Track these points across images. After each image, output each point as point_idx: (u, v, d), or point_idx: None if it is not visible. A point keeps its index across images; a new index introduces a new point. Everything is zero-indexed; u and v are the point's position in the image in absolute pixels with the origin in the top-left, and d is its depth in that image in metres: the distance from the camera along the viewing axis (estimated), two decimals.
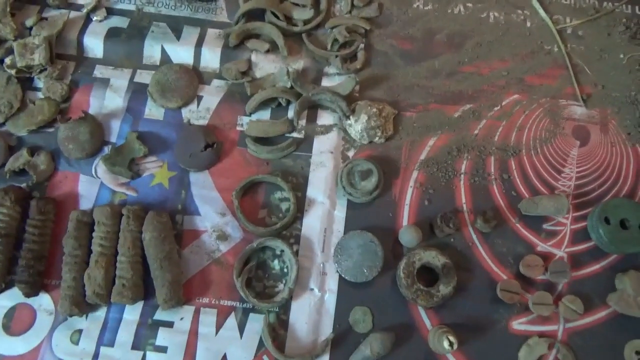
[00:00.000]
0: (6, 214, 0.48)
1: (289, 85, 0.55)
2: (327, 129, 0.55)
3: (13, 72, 0.53)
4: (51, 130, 0.53)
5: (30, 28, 0.56)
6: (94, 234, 0.48)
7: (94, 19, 0.57)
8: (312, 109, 0.56)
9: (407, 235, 0.50)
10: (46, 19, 0.57)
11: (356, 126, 0.54)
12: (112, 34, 0.57)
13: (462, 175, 0.54)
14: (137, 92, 0.55)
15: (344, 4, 0.60)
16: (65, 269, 0.47)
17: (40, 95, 0.54)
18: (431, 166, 0.54)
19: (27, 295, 0.47)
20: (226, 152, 0.54)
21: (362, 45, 0.58)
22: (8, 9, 0.55)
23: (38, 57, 0.53)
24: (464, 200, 0.53)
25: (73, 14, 0.58)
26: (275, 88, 0.55)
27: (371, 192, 0.51)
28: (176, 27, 0.58)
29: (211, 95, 0.56)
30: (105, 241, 0.48)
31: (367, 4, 0.60)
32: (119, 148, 0.52)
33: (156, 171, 0.53)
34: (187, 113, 0.55)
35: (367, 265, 0.49)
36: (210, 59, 0.57)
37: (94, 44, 0.57)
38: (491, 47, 0.60)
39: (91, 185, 0.52)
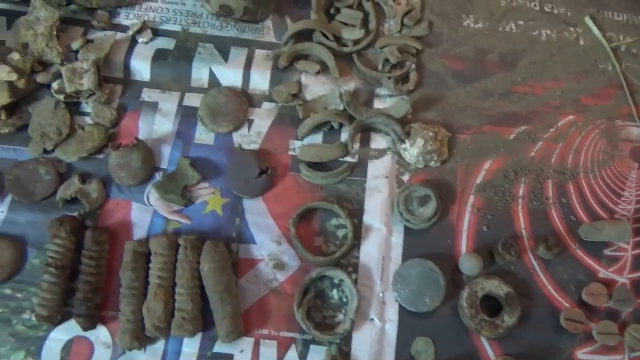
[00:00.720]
0: (62, 245, 0.47)
1: (341, 108, 0.54)
2: (381, 153, 0.54)
3: (62, 97, 0.52)
4: (101, 156, 0.52)
5: (77, 51, 0.55)
6: (151, 265, 0.48)
7: (139, 41, 0.57)
8: (365, 132, 0.55)
9: (469, 264, 0.49)
10: (92, 41, 0.56)
11: (412, 150, 0.53)
12: (159, 57, 0.56)
13: (520, 200, 0.53)
14: (187, 117, 0.54)
15: (394, 23, 0.59)
16: (124, 302, 0.46)
17: (88, 120, 0.53)
18: (488, 190, 0.53)
19: (86, 329, 0.46)
20: (279, 177, 0.53)
21: (413, 66, 0.57)
22: (55, 33, 0.54)
23: (87, 82, 0.52)
24: (523, 226, 0.52)
25: (119, 35, 0.57)
26: (329, 111, 0.54)
27: (430, 219, 0.51)
28: (223, 48, 0.57)
29: (262, 119, 0.55)
30: (163, 272, 0.47)
31: (417, 22, 0.59)
32: (172, 175, 0.51)
33: (209, 198, 0.52)
34: (238, 138, 0.54)
35: (428, 294, 0.49)
36: (260, 81, 0.56)
37: (141, 67, 0.56)
38: (545, 66, 0.59)
39: (144, 213, 0.51)
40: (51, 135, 0.51)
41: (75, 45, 0.55)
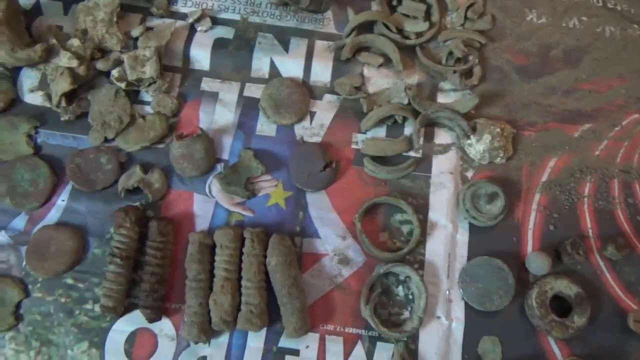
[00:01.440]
0: (126, 235, 0.46)
1: (405, 102, 0.53)
2: (445, 148, 0.53)
3: (122, 85, 0.51)
4: (161, 146, 0.52)
5: (136, 39, 0.54)
6: (216, 258, 0.47)
7: (198, 29, 0.56)
8: (429, 126, 0.54)
9: (537, 262, 0.48)
10: (152, 29, 0.55)
11: (477, 146, 0.52)
12: (218, 45, 0.55)
13: (586, 199, 0.52)
14: (248, 107, 0.53)
15: (456, 15, 0.58)
16: (191, 294, 0.46)
17: (148, 109, 0.53)
18: (553, 189, 0.53)
19: (151, 320, 0.45)
20: (342, 171, 0.52)
21: (477, 60, 0.55)
22: (115, 19, 0.53)
23: (149, 70, 0.51)
24: (589, 225, 0.52)
25: (177, 23, 0.56)
26: (394, 105, 0.53)
27: (497, 217, 0.50)
28: (283, 38, 0.56)
29: (324, 111, 0.54)
30: (229, 265, 0.46)
31: (480, 16, 0.58)
32: (234, 166, 0.51)
33: (272, 191, 0.51)
34: (300, 130, 0.53)
35: (496, 293, 0.48)
36: (321, 72, 0.55)
37: (201, 56, 0.55)
38: (608, 63, 0.58)
39: (206, 205, 0.50)
40: (112, 123, 0.51)
41: (135, 33, 0.54)
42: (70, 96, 0.51)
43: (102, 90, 0.52)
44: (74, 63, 0.50)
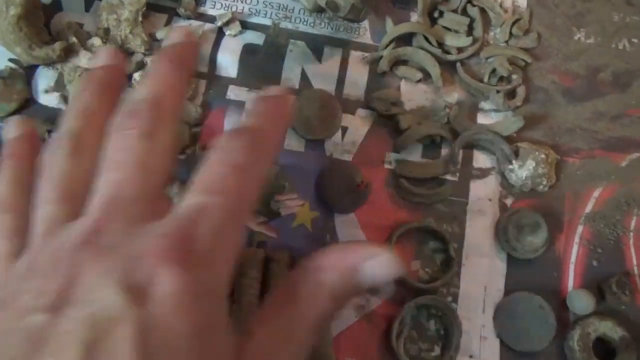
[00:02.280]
0: None
1: (444, 121, 0.50)
2: (484, 173, 0.50)
3: None
4: (182, 157, 0.48)
5: (161, 40, 0.51)
6: (238, 282, 0.43)
7: (227, 34, 0.52)
8: (467, 148, 0.50)
9: (581, 301, 0.45)
10: None
11: (520, 172, 0.48)
12: (247, 52, 0.52)
13: (632, 233, 0.49)
14: None
15: (500, 31, 0.54)
16: None
17: None
18: (598, 221, 0.49)
19: None
20: (374, 192, 0.49)
21: (520, 80, 0.52)
22: (140, 19, 0.49)
23: None
24: (634, 262, 0.48)
25: (205, 26, 0.52)
26: (432, 124, 0.49)
27: (538, 249, 0.46)
28: (315, 46, 0.53)
29: (357, 127, 0.50)
30: (251, 289, 0.43)
31: (525, 33, 0.54)
32: None
33: (298, 210, 0.48)
34: (330, 146, 0.50)
35: (535, 332, 0.45)
36: (355, 85, 0.52)
37: (228, 62, 0.51)
38: None
39: None
40: None
41: (161, 34, 0.50)
42: None
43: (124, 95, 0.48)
44: None
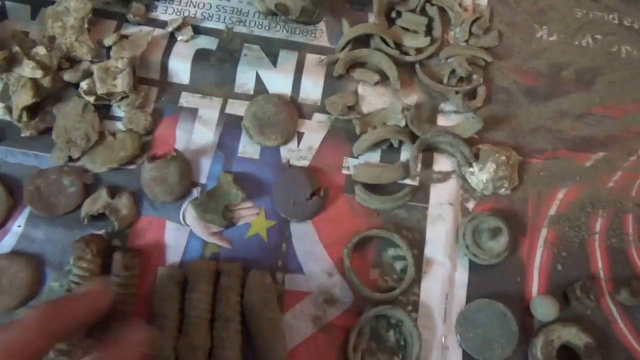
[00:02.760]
0: (87, 268, 0.41)
1: (402, 124, 0.48)
2: (444, 176, 0.48)
3: (91, 99, 0.46)
4: (132, 167, 0.47)
5: (109, 48, 0.49)
6: (187, 296, 0.42)
7: (179, 39, 0.51)
8: (427, 152, 0.49)
9: (544, 308, 0.44)
10: (127, 37, 0.50)
11: (480, 175, 0.47)
12: (199, 57, 0.50)
13: (597, 236, 0.48)
14: (230, 126, 0.48)
15: (460, 30, 0.53)
16: (158, 336, 0.40)
17: (119, 125, 0.48)
18: (562, 223, 0.48)
19: None
20: (331, 199, 0.47)
21: (481, 80, 0.51)
22: (86, 26, 0.48)
23: (121, 84, 0.46)
24: (600, 266, 0.47)
25: (156, 32, 0.51)
26: (390, 128, 0.48)
27: (500, 254, 0.45)
28: (271, 50, 0.51)
29: (313, 132, 0.49)
30: (202, 304, 0.41)
31: (486, 31, 0.53)
32: (212, 192, 0.46)
33: (252, 220, 0.46)
34: (286, 152, 0.48)
35: (498, 341, 0.43)
36: (311, 89, 0.50)
37: (180, 68, 0.50)
38: (624, 86, 0.53)
39: (180, 234, 0.45)
40: (78, 141, 0.46)
41: (109, 41, 0.49)
42: (33, 110, 0.46)
43: (68, 104, 0.47)
44: (39, 74, 0.45)
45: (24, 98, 0.45)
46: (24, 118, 0.45)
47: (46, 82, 0.46)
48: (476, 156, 0.47)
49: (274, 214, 0.46)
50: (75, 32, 0.47)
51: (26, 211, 0.44)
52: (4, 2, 0.50)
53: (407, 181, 0.48)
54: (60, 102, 0.47)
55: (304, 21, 0.47)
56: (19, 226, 0.44)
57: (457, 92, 0.49)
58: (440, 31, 0.52)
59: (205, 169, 0.47)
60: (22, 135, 0.46)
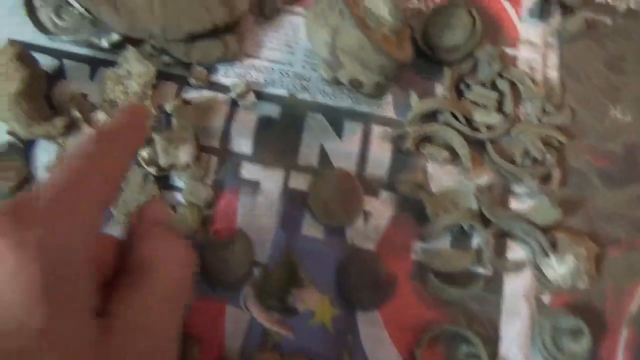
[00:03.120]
0: None
1: (474, 207, 0.46)
2: (518, 266, 0.46)
3: (153, 170, 0.44)
4: (190, 242, 0.44)
5: (170, 114, 0.47)
6: None
7: (241, 105, 0.49)
8: (499, 237, 0.46)
9: None
10: (189, 102, 0.48)
11: (559, 268, 0.44)
12: (262, 125, 0.48)
13: None
14: (293, 202, 0.46)
15: (532, 107, 0.50)
16: None
17: (179, 197, 0.45)
18: None
19: None
20: (399, 286, 0.44)
21: (555, 161, 0.48)
22: (150, 92, 0.46)
23: (184, 155, 0.44)
24: None
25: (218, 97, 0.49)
26: (463, 213, 0.45)
27: (581, 358, 0.42)
28: (335, 120, 0.49)
29: (380, 212, 0.46)
30: None
31: (558, 108, 0.51)
32: (274, 274, 0.43)
33: (316, 307, 0.43)
34: (352, 232, 0.46)
35: None
36: (378, 164, 0.48)
37: (242, 137, 0.48)
38: None
39: (239, 319, 0.42)
40: None
41: (170, 107, 0.47)
42: None
43: (129, 175, 0.44)
44: None
45: None
46: None
47: None
48: (553, 245, 0.45)
49: (339, 300, 0.43)
50: (138, 99, 0.45)
51: None
52: (61, 60, 0.49)
53: (480, 269, 0.45)
54: None
55: (373, 94, 0.45)
56: None
57: (531, 175, 0.47)
58: (512, 107, 0.50)
59: (267, 248, 0.45)
60: None
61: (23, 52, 0.43)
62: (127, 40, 0.47)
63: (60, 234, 0.23)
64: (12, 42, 0.44)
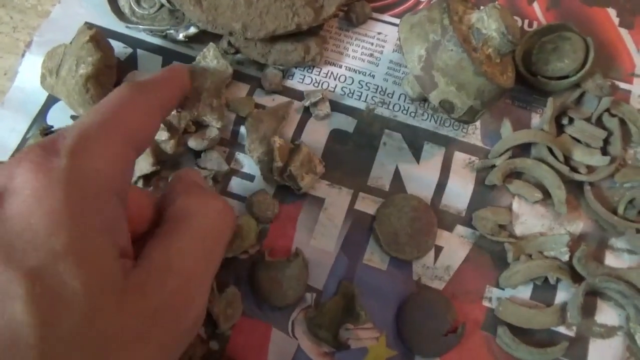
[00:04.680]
0: None
1: (565, 259, 0.41)
2: (608, 332, 0.40)
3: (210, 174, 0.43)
4: (244, 257, 0.42)
5: (243, 119, 0.45)
6: None
7: (314, 114, 0.46)
8: (589, 295, 0.41)
9: None
10: (263, 107, 0.46)
11: None
12: (334, 138, 0.46)
13: None
14: (358, 226, 0.43)
15: None
16: None
17: (235, 204, 0.43)
18: None
19: None
20: (466, 334, 0.40)
21: None
22: (224, 91, 0.44)
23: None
24: None
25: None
26: (549, 262, 0.41)
27: None
28: (414, 141, 0.46)
29: (453, 249, 0.43)
30: None
31: None
32: (329, 304, 0.40)
33: (371, 344, 0.40)
34: (419, 268, 0.42)
35: None
36: (457, 196, 0.44)
37: (312, 147, 0.45)
38: None
39: (286, 346, 0.40)
40: None
41: (244, 112, 0.45)
42: (148, 176, 0.43)
43: None
44: (164, 135, 0.42)
45: (142, 166, 0.41)
46: (140, 185, 0.42)
47: (170, 146, 0.42)
48: None
49: (397, 341, 0.40)
50: (211, 96, 0.44)
51: None
52: (135, 49, 0.48)
53: (562, 329, 0.41)
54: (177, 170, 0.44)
55: (466, 120, 0.42)
56: None
57: (637, 231, 0.42)
58: (619, 148, 0.45)
59: (325, 273, 0.42)
60: None
61: (99, 35, 0.43)
62: (204, 35, 0.46)
63: (86, 164, 0.25)
64: (90, 25, 0.44)
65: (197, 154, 0.44)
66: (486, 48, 0.39)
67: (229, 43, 0.46)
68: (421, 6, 0.50)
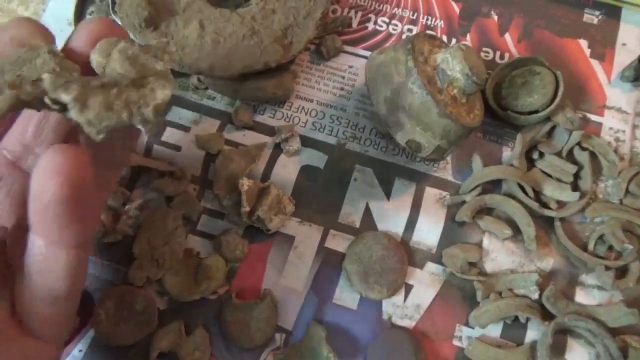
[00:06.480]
0: None
1: (534, 297, 0.42)
2: None
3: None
4: (213, 297, 0.43)
5: (214, 154, 0.46)
6: None
7: (285, 150, 0.47)
8: (559, 333, 0.42)
9: None
10: (234, 142, 0.47)
11: None
12: (304, 175, 0.47)
13: None
14: (328, 264, 0.44)
15: (614, 185, 0.46)
16: None
17: (206, 243, 0.44)
18: None
19: None
20: None
21: (635, 254, 0.44)
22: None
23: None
24: None
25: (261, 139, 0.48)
26: (520, 302, 0.42)
27: None
28: (384, 177, 0.47)
29: (424, 287, 0.43)
30: None
31: None
32: (298, 345, 0.41)
33: None
34: (389, 307, 0.43)
35: None
36: (427, 232, 0.45)
37: (283, 185, 0.46)
38: None
39: None
40: (160, 260, 0.42)
41: (213, 148, 0.46)
42: (116, 217, 0.44)
43: (156, 215, 0.44)
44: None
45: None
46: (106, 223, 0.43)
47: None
48: (624, 355, 0.40)
49: None
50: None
51: (90, 334, 0.41)
52: None
53: None
54: (147, 209, 0.44)
55: (434, 158, 0.43)
56: (80, 351, 0.41)
57: (607, 268, 0.43)
58: (590, 183, 0.46)
59: (294, 313, 0.43)
60: (106, 240, 0.43)
61: None
62: (173, 72, 0.47)
63: None
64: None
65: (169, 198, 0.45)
66: (451, 89, 0.40)
67: (199, 79, 0.47)
68: (392, 39, 0.51)
